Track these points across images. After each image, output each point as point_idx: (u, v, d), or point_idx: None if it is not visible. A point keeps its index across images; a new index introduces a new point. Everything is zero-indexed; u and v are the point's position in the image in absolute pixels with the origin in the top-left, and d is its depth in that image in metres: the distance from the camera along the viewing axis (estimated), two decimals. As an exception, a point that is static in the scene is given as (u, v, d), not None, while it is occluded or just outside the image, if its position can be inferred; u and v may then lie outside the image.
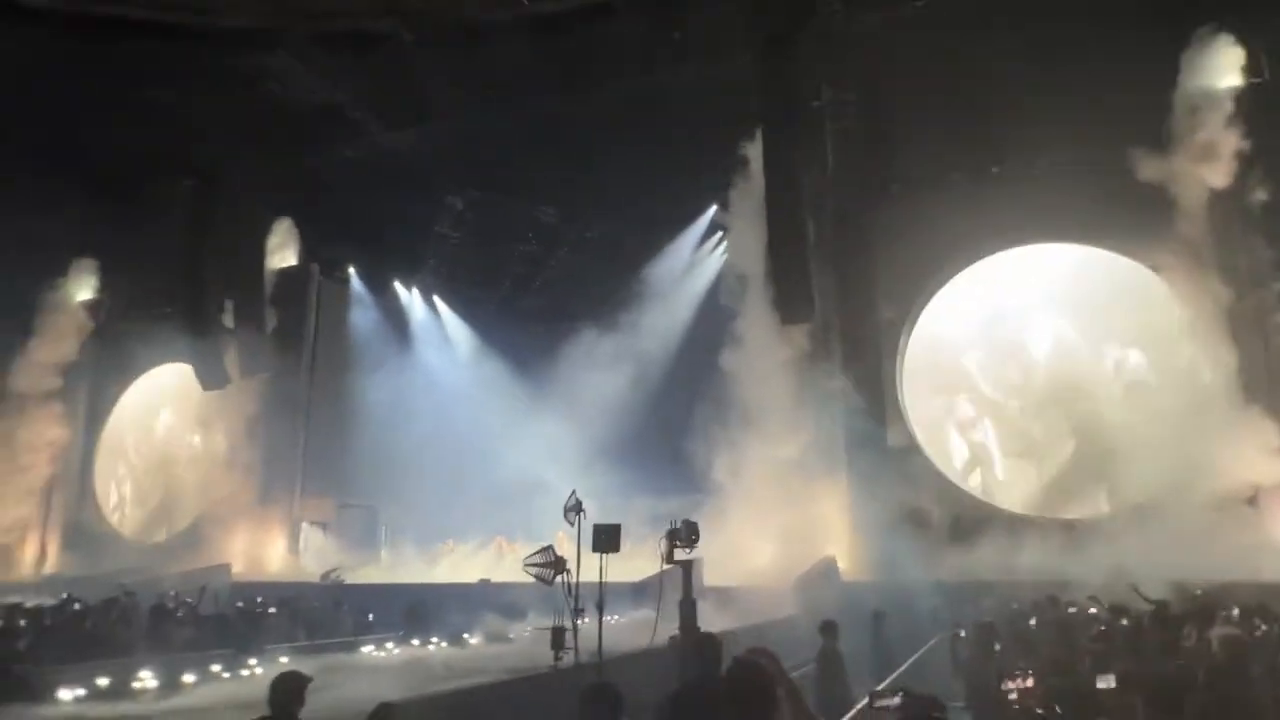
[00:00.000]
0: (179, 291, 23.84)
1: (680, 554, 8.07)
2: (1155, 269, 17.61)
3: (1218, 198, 16.36)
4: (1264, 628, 7.63)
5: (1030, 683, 4.01)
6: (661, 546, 8.13)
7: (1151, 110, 16.65)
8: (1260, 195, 16.22)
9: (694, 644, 5.23)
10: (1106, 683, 4.26)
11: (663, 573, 8.59)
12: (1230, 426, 16.09)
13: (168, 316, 24.40)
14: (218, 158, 23.04)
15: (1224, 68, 17.08)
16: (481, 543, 23.06)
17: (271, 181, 23.64)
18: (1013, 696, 4.08)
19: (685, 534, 8.08)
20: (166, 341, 23.65)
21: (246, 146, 22.83)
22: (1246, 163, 16.22)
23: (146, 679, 8.90)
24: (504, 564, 20.38)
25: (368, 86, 21.27)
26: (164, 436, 26.43)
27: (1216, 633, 6.46)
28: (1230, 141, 16.39)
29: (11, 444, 25.03)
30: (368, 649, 12.11)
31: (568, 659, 7.71)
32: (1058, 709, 3.84)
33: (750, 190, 19.11)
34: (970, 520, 17.44)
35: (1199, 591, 10.69)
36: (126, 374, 26.19)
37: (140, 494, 26.33)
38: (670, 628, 8.11)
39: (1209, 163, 16.45)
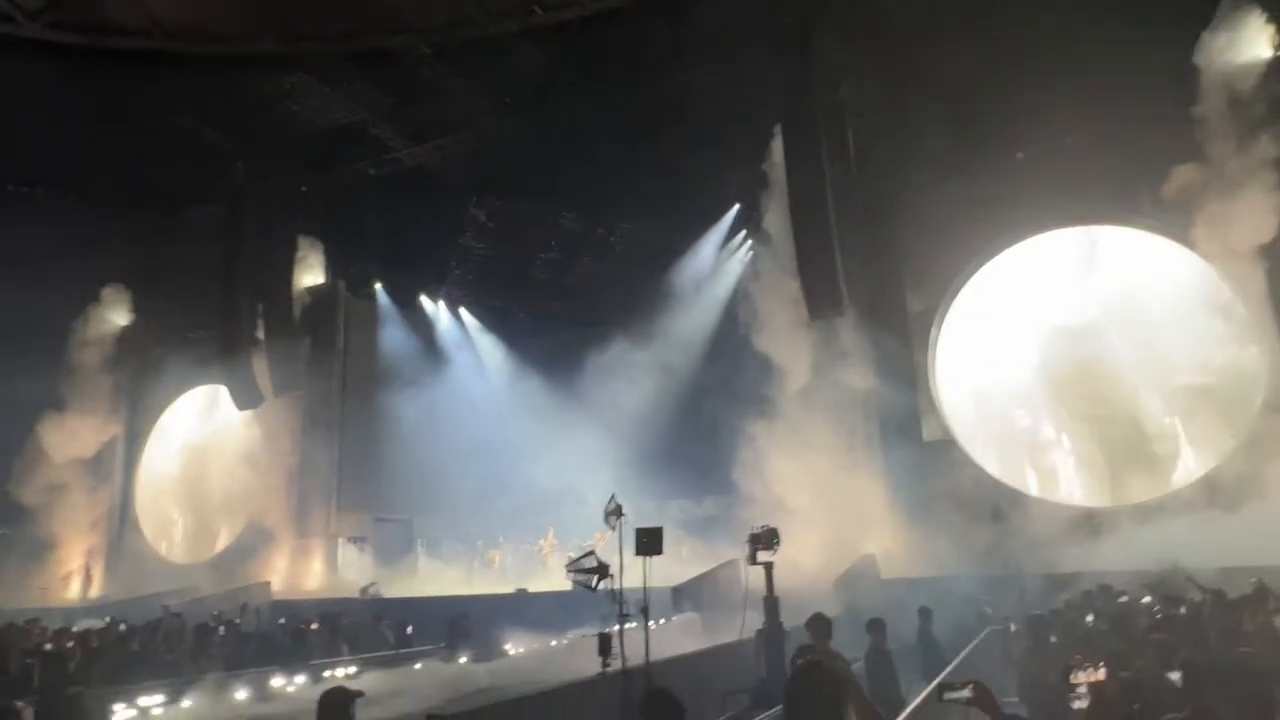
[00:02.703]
0: (212, 314, 24.15)
1: (763, 556, 8.81)
2: (1190, 248, 17.24)
3: (1249, 171, 16.01)
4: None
5: (1102, 674, 3.87)
6: (745, 550, 8.97)
7: (1173, 88, 16.34)
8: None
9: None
10: (1176, 679, 4.14)
11: (746, 571, 9.52)
12: (1271, 412, 15.81)
13: (201, 340, 24.67)
14: (244, 181, 23.40)
15: (1249, 39, 16.74)
16: (524, 550, 23.18)
17: (297, 202, 23.93)
18: (1081, 690, 3.94)
19: (766, 538, 8.84)
20: (200, 364, 24.05)
21: (271, 169, 23.17)
22: (1276, 135, 15.86)
23: (195, 697, 8.97)
24: (545, 569, 20.45)
25: (387, 103, 21.46)
26: (201, 458, 26.73)
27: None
28: (1259, 114, 16.05)
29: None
30: (416, 664, 12.14)
31: (615, 665, 7.65)
32: (1136, 706, 3.68)
33: (774, 187, 19.00)
34: (1009, 511, 17.17)
35: (1254, 579, 10.42)
36: (163, 397, 26.54)
37: (180, 516, 26.63)
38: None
39: (1238, 135, 16.11)
